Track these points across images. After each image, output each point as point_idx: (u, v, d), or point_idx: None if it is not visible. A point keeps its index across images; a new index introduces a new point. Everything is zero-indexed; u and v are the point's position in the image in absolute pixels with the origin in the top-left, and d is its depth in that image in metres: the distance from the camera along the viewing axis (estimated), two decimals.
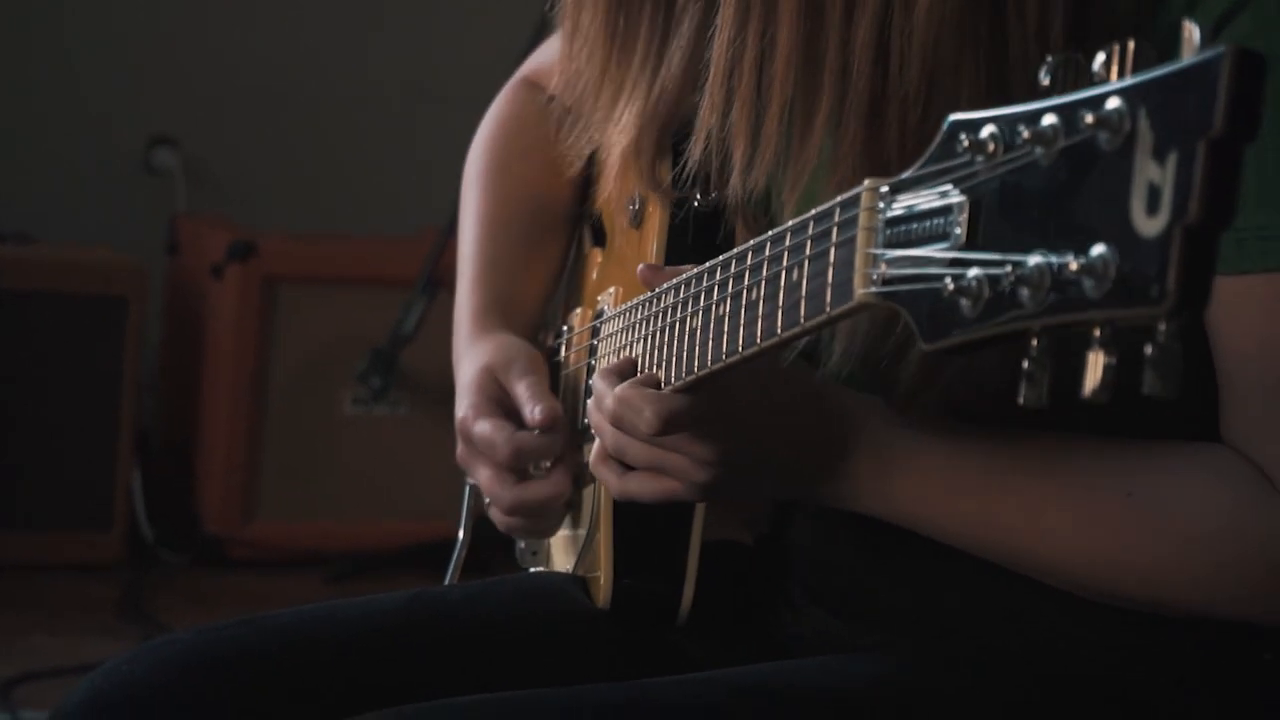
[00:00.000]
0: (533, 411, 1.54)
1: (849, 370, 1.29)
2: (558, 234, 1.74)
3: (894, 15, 1.23)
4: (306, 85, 4.28)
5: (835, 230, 1.09)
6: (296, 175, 4.29)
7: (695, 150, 1.35)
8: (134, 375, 3.70)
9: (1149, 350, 0.83)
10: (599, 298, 1.61)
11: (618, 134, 1.46)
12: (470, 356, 1.63)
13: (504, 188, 1.75)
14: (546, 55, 1.82)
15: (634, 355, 1.39)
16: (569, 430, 1.59)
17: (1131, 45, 0.87)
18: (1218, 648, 1.34)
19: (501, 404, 1.57)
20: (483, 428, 1.55)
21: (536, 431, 1.54)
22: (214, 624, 1.47)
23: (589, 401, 1.39)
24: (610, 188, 1.52)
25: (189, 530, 3.81)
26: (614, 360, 1.40)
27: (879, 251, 1.03)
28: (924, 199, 0.99)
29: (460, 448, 1.59)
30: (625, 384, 1.32)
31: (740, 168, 1.32)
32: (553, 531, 1.63)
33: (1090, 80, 0.88)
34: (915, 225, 1.00)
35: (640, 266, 1.39)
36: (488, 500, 1.59)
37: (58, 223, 3.93)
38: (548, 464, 1.56)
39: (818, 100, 1.27)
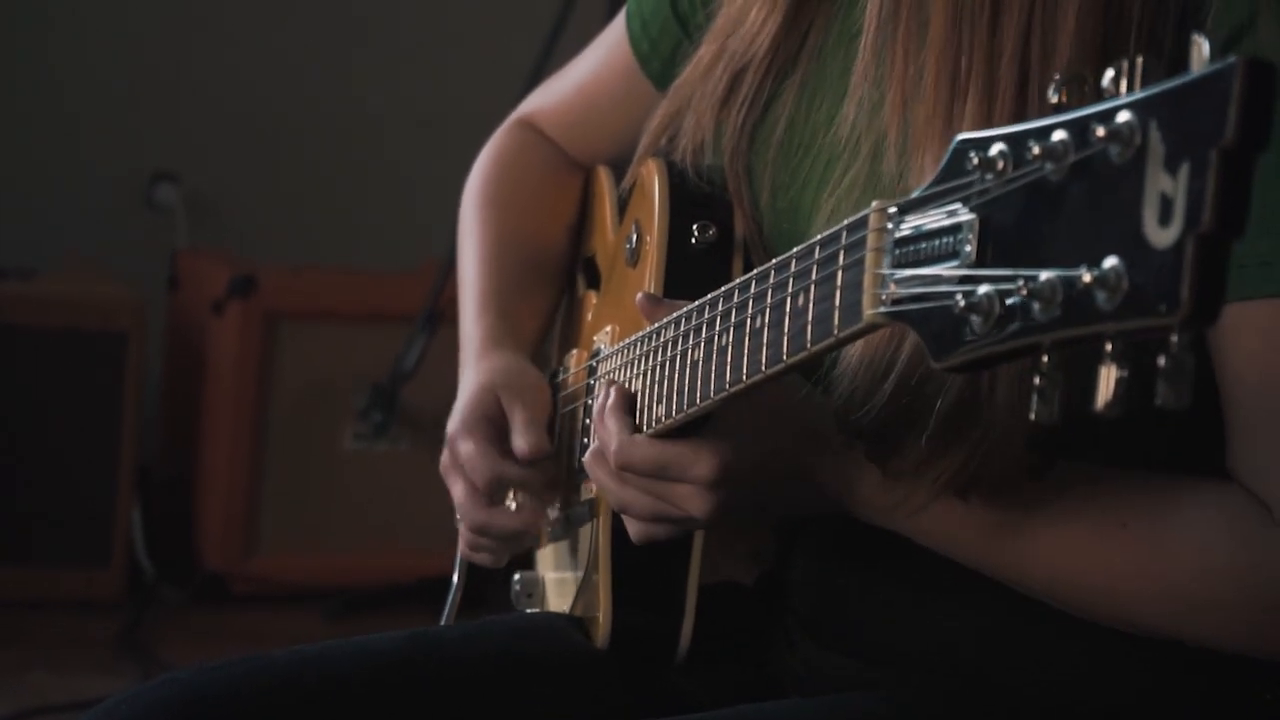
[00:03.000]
0: (520, 443, 1.54)
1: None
2: (552, 272, 1.75)
3: None
4: (307, 121, 4.29)
5: (842, 253, 1.09)
6: (297, 211, 4.30)
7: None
8: (134, 411, 3.69)
9: (1162, 362, 0.83)
10: (595, 338, 1.61)
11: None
12: (475, 372, 1.63)
13: (502, 221, 1.76)
14: (542, 97, 1.82)
15: (632, 392, 1.39)
16: (563, 470, 1.60)
17: (1140, 61, 0.87)
18: (1220, 686, 1.34)
19: (494, 423, 1.57)
20: (468, 445, 1.56)
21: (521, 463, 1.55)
22: (212, 663, 1.47)
23: (590, 450, 1.40)
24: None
25: (189, 566, 3.81)
26: (613, 394, 1.40)
27: (888, 272, 1.03)
28: (932, 218, 0.99)
29: (445, 457, 1.59)
30: (617, 430, 1.34)
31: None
32: (502, 562, 1.64)
33: (1099, 96, 0.88)
34: (924, 245, 1.00)
35: (639, 296, 1.39)
36: (458, 516, 1.59)
37: (59, 258, 3.93)
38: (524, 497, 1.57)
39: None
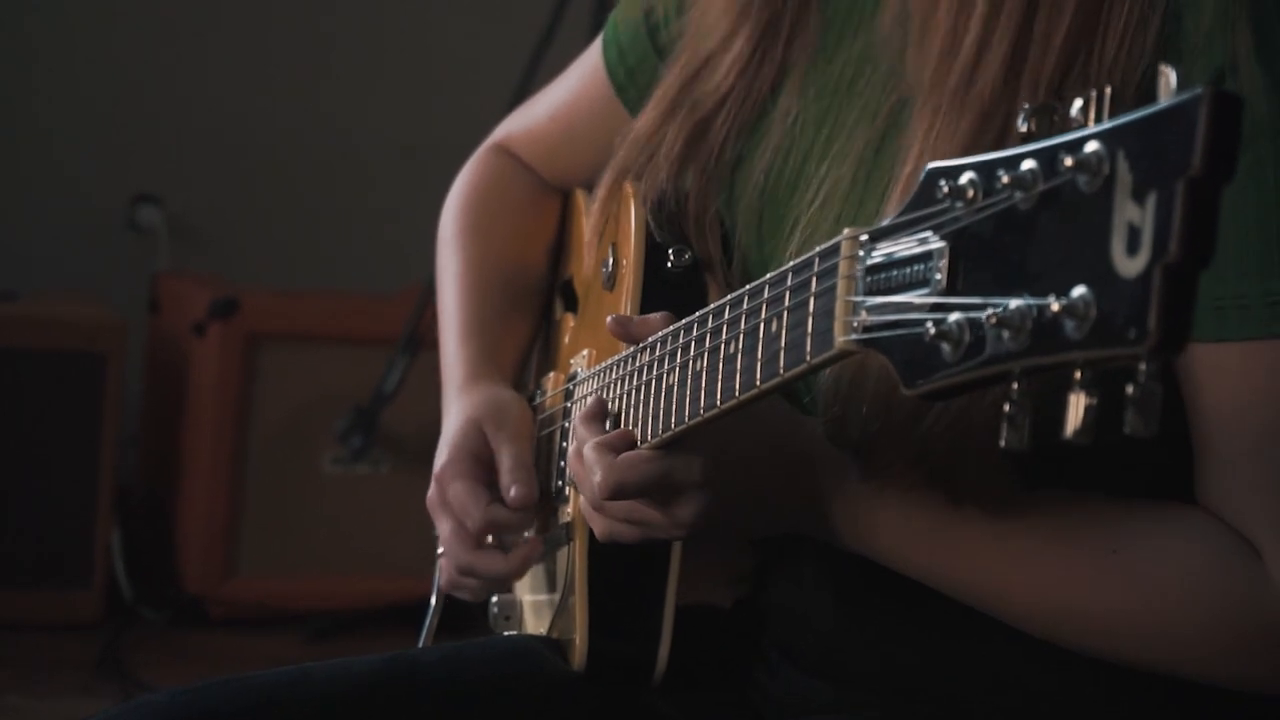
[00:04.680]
0: (510, 490, 1.54)
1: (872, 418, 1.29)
2: (531, 297, 1.75)
3: None
4: (289, 144, 4.29)
5: (814, 280, 1.10)
6: (279, 233, 4.30)
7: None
8: (114, 433, 3.69)
9: (1130, 390, 0.84)
10: (572, 361, 1.62)
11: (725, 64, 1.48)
12: (459, 406, 1.63)
13: (481, 249, 1.76)
14: (518, 122, 1.82)
15: (612, 409, 1.39)
16: (544, 500, 1.60)
17: (1109, 91, 0.87)
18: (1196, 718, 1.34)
19: (482, 462, 1.57)
20: (458, 489, 1.56)
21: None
22: (190, 686, 1.47)
23: (570, 452, 1.39)
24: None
25: (168, 588, 3.80)
26: (590, 404, 1.40)
27: (859, 299, 1.03)
28: (903, 246, 1.00)
29: (433, 493, 1.59)
30: (591, 443, 1.33)
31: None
32: (483, 598, 1.64)
33: (1068, 126, 0.89)
34: (895, 272, 1.00)
35: (609, 319, 1.39)
36: (441, 550, 1.59)
37: (40, 279, 3.93)
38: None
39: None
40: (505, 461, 1.56)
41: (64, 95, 4.14)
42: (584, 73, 1.72)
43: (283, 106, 4.29)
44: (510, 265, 1.75)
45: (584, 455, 1.33)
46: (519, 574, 1.58)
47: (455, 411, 1.62)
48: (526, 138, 1.80)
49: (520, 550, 1.56)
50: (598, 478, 1.31)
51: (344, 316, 3.91)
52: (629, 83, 1.65)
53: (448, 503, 1.57)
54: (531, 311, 1.75)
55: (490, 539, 1.59)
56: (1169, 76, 0.84)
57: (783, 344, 1.14)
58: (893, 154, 1.34)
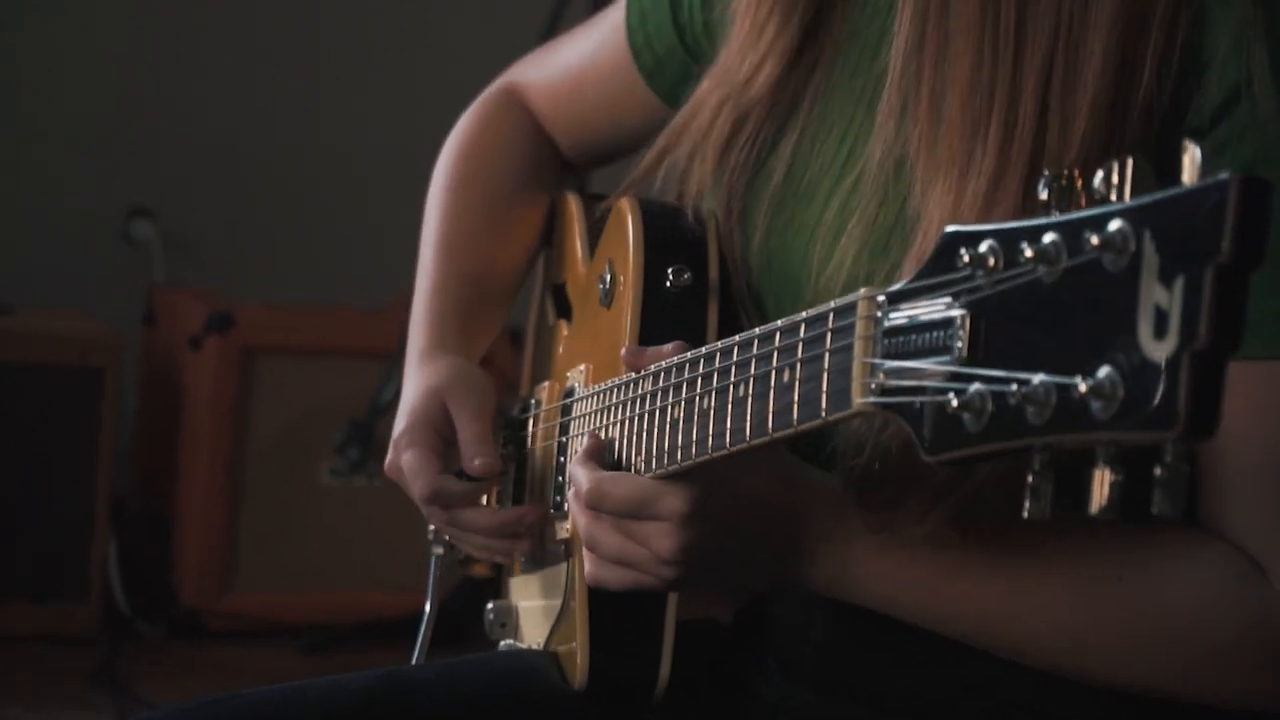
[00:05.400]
0: (474, 460, 1.54)
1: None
2: (505, 284, 1.73)
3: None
4: (284, 158, 4.28)
5: (830, 336, 1.09)
6: (274, 247, 4.29)
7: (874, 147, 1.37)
8: (110, 446, 3.68)
9: (1157, 471, 0.83)
10: (568, 374, 1.60)
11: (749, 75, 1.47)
12: (421, 374, 1.61)
13: (464, 208, 1.73)
14: (533, 71, 1.79)
15: (609, 438, 1.39)
16: (538, 504, 1.59)
17: (1130, 163, 0.87)
18: None
19: (440, 432, 1.56)
20: (410, 457, 1.55)
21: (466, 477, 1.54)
22: (184, 705, 1.47)
23: (571, 492, 1.39)
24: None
25: (165, 602, 3.79)
26: (587, 440, 1.40)
27: (877, 361, 1.03)
28: (923, 310, 0.99)
29: (390, 459, 1.59)
30: (578, 456, 1.35)
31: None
32: (487, 555, 1.62)
33: (1090, 197, 0.88)
34: (915, 337, 1.00)
35: (623, 352, 1.39)
36: (432, 526, 1.59)
37: (35, 293, 3.92)
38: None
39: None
40: (466, 434, 1.55)
41: (59, 108, 4.13)
42: (604, 33, 1.69)
43: (277, 120, 4.29)
44: (491, 246, 1.73)
45: (570, 469, 1.34)
46: (508, 531, 1.55)
47: (416, 379, 1.61)
48: (538, 90, 1.77)
49: (515, 509, 1.56)
50: (583, 486, 1.32)
51: (339, 329, 3.91)
52: (646, 49, 1.64)
53: (400, 469, 1.56)
54: (506, 297, 1.73)
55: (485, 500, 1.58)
56: (1194, 153, 0.83)
57: (795, 396, 1.13)
58: (908, 183, 1.34)
